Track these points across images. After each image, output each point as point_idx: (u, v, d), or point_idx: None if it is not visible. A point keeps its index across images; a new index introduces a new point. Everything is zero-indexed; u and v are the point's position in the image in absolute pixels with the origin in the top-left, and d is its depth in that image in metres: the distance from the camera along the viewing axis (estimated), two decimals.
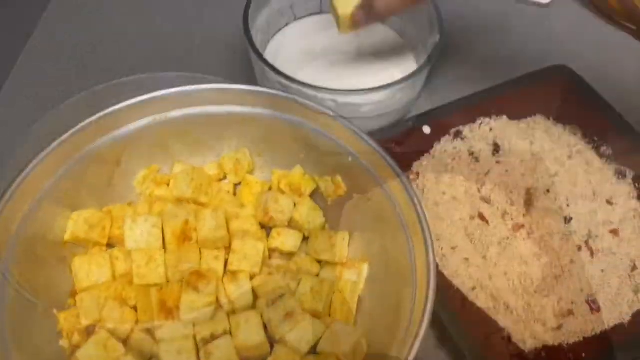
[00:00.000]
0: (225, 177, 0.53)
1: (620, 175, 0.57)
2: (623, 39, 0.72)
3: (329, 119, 0.49)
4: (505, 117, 0.61)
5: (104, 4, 0.74)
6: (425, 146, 0.60)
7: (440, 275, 0.52)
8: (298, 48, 0.64)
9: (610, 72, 0.69)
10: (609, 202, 0.55)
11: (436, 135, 0.60)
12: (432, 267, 0.41)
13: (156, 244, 0.47)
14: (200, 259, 0.47)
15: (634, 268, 0.52)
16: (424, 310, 0.39)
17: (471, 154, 0.59)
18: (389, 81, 0.54)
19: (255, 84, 0.53)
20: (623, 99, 0.66)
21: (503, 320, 0.49)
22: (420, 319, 0.38)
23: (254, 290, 0.46)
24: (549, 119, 0.61)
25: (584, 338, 0.48)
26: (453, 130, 0.61)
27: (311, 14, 0.67)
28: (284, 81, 0.54)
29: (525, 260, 0.52)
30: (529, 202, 0.53)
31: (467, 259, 0.52)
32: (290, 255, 0.50)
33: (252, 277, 0.47)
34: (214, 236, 0.47)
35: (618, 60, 0.70)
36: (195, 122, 0.51)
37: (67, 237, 0.47)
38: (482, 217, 0.54)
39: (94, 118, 0.47)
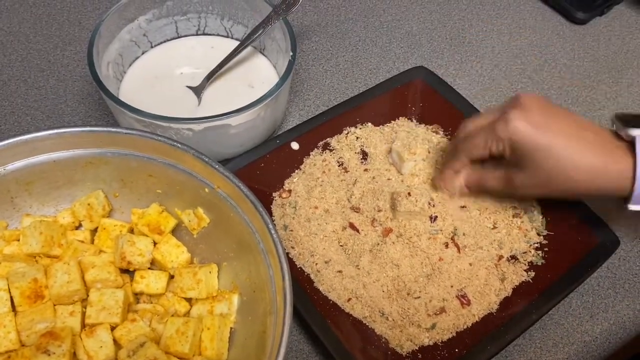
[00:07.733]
0: (80, 225, 0.50)
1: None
2: (475, 36, 0.76)
3: (179, 152, 0.47)
4: (370, 124, 0.62)
5: None
6: (295, 162, 0.60)
7: (315, 291, 0.52)
8: (154, 76, 0.63)
9: (466, 69, 0.72)
10: None
11: (305, 150, 0.60)
12: (288, 293, 0.40)
13: (3, 308, 0.43)
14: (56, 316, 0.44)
15: (500, 257, 0.54)
16: (281, 337, 0.38)
17: (340, 164, 0.60)
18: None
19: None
20: (482, 95, 0.70)
21: (380, 328, 0.50)
22: (277, 348, 0.38)
23: (116, 341, 0.44)
24: (411, 120, 0.63)
25: (457, 333, 0.50)
26: (321, 143, 0.61)
27: (168, 40, 0.65)
28: (134, 115, 0.52)
29: (396, 264, 0.53)
30: (393, 207, 0.54)
31: (340, 272, 0.52)
32: (158, 296, 0.48)
33: (114, 328, 0.45)
34: (67, 291, 0.44)
35: (474, 58, 0.73)
36: (39, 171, 0.48)
37: None
38: (352, 226, 0.55)
39: None
